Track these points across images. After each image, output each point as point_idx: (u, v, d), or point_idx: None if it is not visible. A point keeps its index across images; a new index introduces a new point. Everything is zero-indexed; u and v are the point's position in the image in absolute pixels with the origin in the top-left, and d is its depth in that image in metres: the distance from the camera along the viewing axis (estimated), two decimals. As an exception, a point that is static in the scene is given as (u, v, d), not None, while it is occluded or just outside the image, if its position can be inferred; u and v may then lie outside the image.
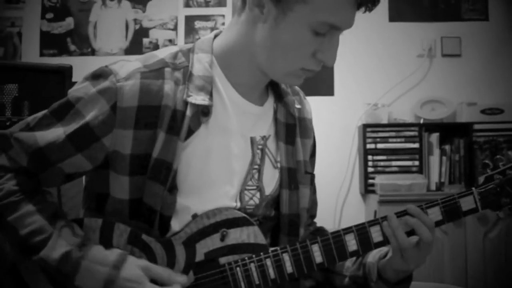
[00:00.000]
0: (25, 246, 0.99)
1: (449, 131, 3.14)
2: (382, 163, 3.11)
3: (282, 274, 1.06)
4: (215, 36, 1.15)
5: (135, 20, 3.47)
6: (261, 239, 1.08)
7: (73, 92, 1.07)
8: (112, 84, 1.03)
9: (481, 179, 1.13)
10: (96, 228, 1.05)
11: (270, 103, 1.18)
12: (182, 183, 1.06)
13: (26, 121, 1.07)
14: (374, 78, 3.35)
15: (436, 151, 3.10)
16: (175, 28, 3.46)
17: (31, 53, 3.43)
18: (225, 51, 1.11)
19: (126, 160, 1.04)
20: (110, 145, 1.04)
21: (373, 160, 3.11)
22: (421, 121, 3.18)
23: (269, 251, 1.07)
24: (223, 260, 1.06)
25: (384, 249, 1.15)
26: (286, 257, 1.07)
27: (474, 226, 2.78)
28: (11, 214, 1.00)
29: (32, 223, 1.00)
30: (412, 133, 3.11)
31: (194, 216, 1.07)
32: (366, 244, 1.08)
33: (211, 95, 1.07)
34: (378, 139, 3.13)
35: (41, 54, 3.44)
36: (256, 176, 1.13)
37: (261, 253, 1.06)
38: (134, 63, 1.07)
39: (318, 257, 1.07)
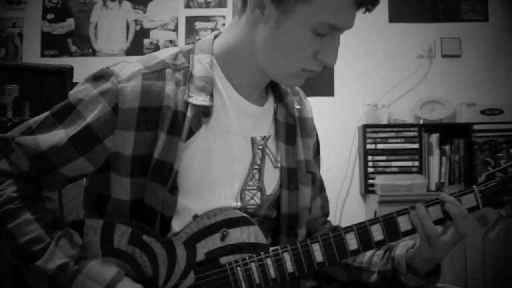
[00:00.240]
0: (24, 254, 1.00)
1: (448, 131, 3.15)
2: (382, 164, 3.12)
3: (283, 274, 1.06)
4: (215, 37, 1.15)
5: (135, 21, 3.47)
6: (261, 238, 1.08)
7: (74, 94, 1.06)
8: (114, 86, 1.03)
9: (482, 177, 1.13)
10: (97, 229, 1.05)
11: (270, 103, 1.18)
12: (183, 183, 1.06)
13: (27, 124, 1.07)
14: (374, 79, 3.35)
15: (436, 152, 3.10)
16: (175, 29, 3.46)
17: (32, 53, 3.43)
18: (225, 52, 1.11)
19: (127, 161, 1.04)
20: (112, 147, 1.04)
21: (373, 161, 3.12)
22: (421, 122, 3.19)
23: (270, 250, 1.07)
24: (223, 259, 1.06)
25: (410, 242, 1.16)
26: (286, 257, 1.07)
27: (473, 226, 2.78)
28: (11, 222, 1.00)
29: (30, 232, 1.00)
30: (412, 134, 3.12)
31: (195, 216, 1.07)
32: (366, 243, 1.08)
33: (211, 95, 1.07)
34: (378, 140, 3.13)
35: (42, 55, 3.45)
36: (256, 176, 1.13)
37: (262, 253, 1.06)
38: (135, 64, 1.07)
39: (318, 256, 1.07)
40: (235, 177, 1.11)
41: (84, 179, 1.16)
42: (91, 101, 1.04)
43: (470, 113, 3.15)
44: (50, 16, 3.47)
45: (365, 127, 3.15)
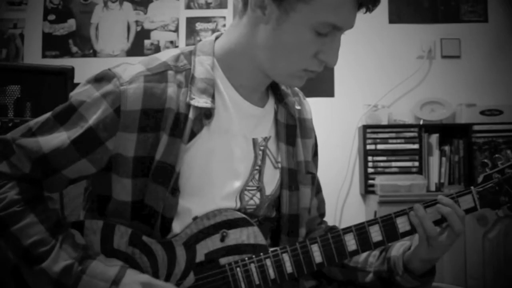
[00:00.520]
0: (28, 256, 0.99)
1: (448, 132, 3.15)
2: (382, 164, 3.11)
3: (282, 274, 1.07)
4: (216, 38, 1.15)
5: (136, 21, 3.47)
6: (261, 239, 1.08)
7: (75, 96, 1.06)
8: (116, 88, 1.03)
9: (480, 178, 1.14)
10: (97, 230, 1.05)
11: (270, 104, 1.18)
12: (184, 185, 1.06)
13: (27, 126, 1.06)
14: (374, 80, 3.35)
15: (436, 152, 3.10)
16: (176, 30, 3.46)
17: (33, 54, 3.42)
18: (226, 53, 1.11)
19: (129, 163, 1.04)
20: (114, 148, 1.04)
21: (373, 161, 3.12)
22: (421, 122, 3.18)
23: (269, 251, 1.07)
24: (223, 260, 1.06)
25: (407, 243, 1.16)
26: (286, 257, 1.07)
27: (473, 226, 2.78)
28: (15, 224, 1.00)
29: (34, 234, 1.00)
30: (411, 134, 3.11)
31: (195, 218, 1.07)
32: (365, 244, 1.08)
33: (213, 97, 1.07)
34: (378, 140, 3.13)
35: (43, 56, 3.44)
36: (257, 176, 1.14)
37: (261, 253, 1.07)
38: (137, 66, 1.06)
39: (317, 257, 1.08)
40: (237, 178, 1.11)
41: (85, 180, 1.15)
42: (93, 103, 1.03)
43: (469, 113, 3.14)
44: (51, 17, 3.47)
45: (365, 127, 3.15)
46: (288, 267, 1.07)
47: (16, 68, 2.22)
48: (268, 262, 1.07)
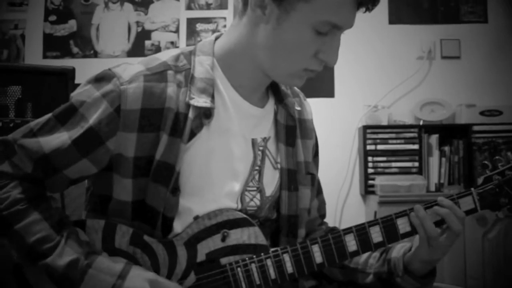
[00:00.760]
0: (33, 254, 0.99)
1: (448, 132, 3.15)
2: (382, 164, 3.12)
3: (283, 274, 1.07)
4: (216, 38, 1.15)
5: (137, 22, 3.47)
6: (261, 239, 1.08)
7: (76, 96, 1.06)
8: (116, 87, 1.03)
9: (480, 179, 1.14)
10: (99, 229, 1.05)
11: (270, 105, 1.18)
12: (185, 184, 1.06)
13: (28, 126, 1.07)
14: (374, 80, 3.35)
15: (436, 153, 3.11)
16: (177, 31, 3.46)
17: (34, 55, 3.42)
18: (226, 53, 1.11)
19: (129, 163, 1.04)
20: (114, 148, 1.04)
21: (373, 161, 3.12)
22: (421, 123, 3.19)
23: (270, 251, 1.08)
24: (224, 260, 1.07)
25: (407, 244, 1.16)
26: (286, 258, 1.07)
27: (473, 226, 2.78)
28: (18, 223, 1.00)
29: (39, 231, 1.00)
30: (411, 135, 3.12)
31: (196, 217, 1.07)
32: (365, 245, 1.09)
33: (213, 97, 1.08)
34: (378, 141, 3.14)
35: (44, 56, 3.44)
36: (256, 177, 1.14)
37: (262, 254, 1.07)
38: (137, 66, 1.07)
39: (318, 257, 1.08)
40: (236, 178, 1.11)
41: (86, 180, 1.16)
42: (94, 103, 1.04)
43: (469, 114, 3.15)
44: (52, 17, 3.47)
45: (365, 128, 3.15)
46: (289, 267, 1.07)
47: (17, 68, 2.22)
48: (268, 262, 1.07)
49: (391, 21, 3.38)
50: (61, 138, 1.04)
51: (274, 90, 1.20)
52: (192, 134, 1.06)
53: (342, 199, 3.30)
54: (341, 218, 3.28)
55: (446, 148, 3.12)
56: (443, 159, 3.11)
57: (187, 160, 1.06)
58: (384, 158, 3.12)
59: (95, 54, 3.46)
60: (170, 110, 1.04)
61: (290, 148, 1.19)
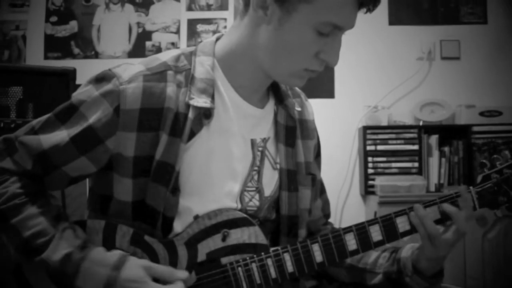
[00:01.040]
0: (28, 248, 1.00)
1: (448, 133, 3.15)
2: (382, 165, 3.12)
3: (283, 274, 1.07)
4: (217, 39, 1.15)
5: (138, 23, 3.48)
6: (261, 239, 1.09)
7: (76, 95, 1.07)
8: (115, 87, 1.04)
9: (478, 178, 1.14)
10: (99, 230, 1.05)
11: (270, 105, 1.19)
12: (185, 184, 1.07)
13: (30, 125, 1.08)
14: (374, 81, 3.36)
15: (435, 153, 3.11)
16: (177, 31, 3.47)
17: (35, 56, 3.43)
18: (227, 54, 1.12)
19: (129, 162, 1.05)
20: (114, 148, 1.05)
21: (373, 162, 3.13)
22: (421, 123, 3.19)
23: (270, 251, 1.08)
24: (224, 260, 1.07)
25: (416, 244, 1.16)
26: (287, 257, 1.07)
27: (472, 226, 2.79)
28: (15, 217, 1.00)
29: (35, 226, 1.00)
30: (411, 135, 3.12)
31: (196, 217, 1.08)
32: (365, 244, 1.09)
33: (213, 97, 1.08)
34: (378, 141, 3.14)
35: (45, 57, 3.45)
36: (255, 177, 1.14)
37: (262, 253, 1.07)
38: (137, 66, 1.08)
39: (318, 256, 1.08)
40: (235, 178, 1.12)
41: (88, 179, 1.17)
42: (93, 102, 1.05)
43: (469, 114, 3.15)
44: (53, 18, 3.47)
45: (365, 128, 3.16)
46: (289, 267, 1.07)
47: (18, 69, 2.21)
48: (269, 261, 1.07)
49: (391, 22, 3.39)
50: (60, 135, 1.05)
51: (275, 91, 1.20)
52: (192, 134, 1.07)
53: (342, 199, 3.31)
54: (341, 218, 3.28)
55: (446, 149, 3.12)
56: (443, 160, 3.11)
57: (187, 160, 1.06)
58: (384, 159, 3.12)
59: (96, 55, 3.46)
60: (169, 110, 1.05)
61: (290, 149, 1.19)
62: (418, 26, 3.38)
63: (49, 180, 1.08)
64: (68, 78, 1.94)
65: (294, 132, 1.20)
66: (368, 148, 3.14)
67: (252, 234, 1.08)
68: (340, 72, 3.33)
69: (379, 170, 3.12)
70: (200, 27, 3.45)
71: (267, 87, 1.18)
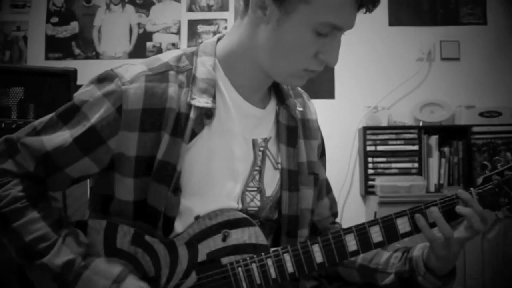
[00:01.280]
0: (29, 252, 1.00)
1: (448, 133, 3.16)
2: (382, 165, 3.13)
3: (283, 274, 1.07)
4: (219, 39, 1.16)
5: (138, 24, 3.48)
6: (262, 239, 1.09)
7: (78, 96, 1.07)
8: (117, 87, 1.04)
9: (479, 179, 1.14)
10: (100, 230, 1.06)
11: (272, 105, 1.19)
12: (186, 184, 1.07)
13: (32, 125, 1.08)
14: (374, 82, 3.36)
15: (435, 153, 3.12)
16: (178, 32, 3.47)
17: (36, 56, 3.43)
18: (228, 54, 1.12)
19: (131, 162, 1.05)
20: (116, 148, 1.05)
21: (373, 162, 3.13)
22: (421, 124, 3.19)
23: (270, 251, 1.08)
24: (225, 260, 1.07)
25: (428, 244, 1.14)
26: (287, 257, 1.07)
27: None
28: (16, 221, 1.00)
29: (36, 230, 1.00)
30: (411, 136, 3.13)
31: (197, 217, 1.08)
32: (365, 244, 1.09)
33: (214, 97, 1.08)
34: (378, 141, 3.14)
35: (46, 58, 3.45)
36: (257, 177, 1.14)
37: (262, 253, 1.07)
38: (139, 66, 1.08)
39: (318, 257, 1.08)
40: (237, 178, 1.12)
41: (89, 180, 1.17)
42: (96, 103, 1.05)
43: (469, 115, 3.15)
44: (54, 19, 3.47)
45: (365, 129, 3.16)
46: (289, 267, 1.07)
47: (20, 70, 2.21)
48: (269, 261, 1.07)
49: (391, 23, 3.39)
50: (63, 136, 1.05)
51: (276, 91, 1.21)
52: (193, 134, 1.07)
53: (343, 199, 3.31)
54: (341, 218, 3.27)
55: (446, 149, 3.13)
56: (443, 160, 3.12)
57: (188, 160, 1.07)
58: (384, 159, 3.13)
59: (97, 56, 3.46)
60: (171, 110, 1.05)
61: (291, 149, 1.19)
62: (418, 27, 3.38)
63: (51, 182, 1.08)
64: (69, 79, 1.94)
65: (295, 132, 1.20)
66: (368, 148, 3.14)
67: (253, 235, 1.09)
68: (340, 73, 3.34)
69: (379, 170, 3.13)
70: (200, 28, 3.46)
71: (268, 87, 1.18)
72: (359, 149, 3.28)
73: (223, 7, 3.47)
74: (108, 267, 1.00)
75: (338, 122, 3.32)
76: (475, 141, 3.06)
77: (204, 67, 1.10)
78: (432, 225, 1.08)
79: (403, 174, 3.08)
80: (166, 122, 1.05)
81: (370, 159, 3.13)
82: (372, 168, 3.13)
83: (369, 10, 1.04)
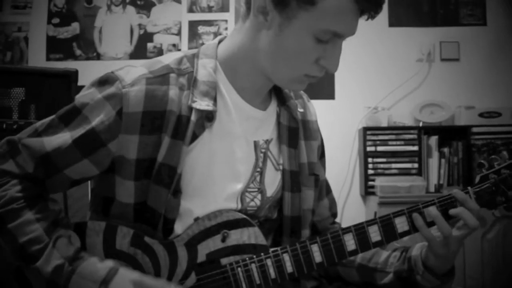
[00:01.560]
0: (23, 254, 0.99)
1: (447, 134, 3.16)
2: (382, 166, 3.13)
3: (283, 274, 1.07)
4: (220, 41, 1.16)
5: (139, 25, 3.48)
6: (261, 239, 1.09)
7: (79, 98, 1.07)
8: (118, 90, 1.04)
9: (476, 178, 1.14)
10: (100, 231, 1.05)
11: (273, 107, 1.19)
12: (186, 186, 1.07)
13: (34, 127, 1.08)
14: (374, 82, 3.36)
15: (435, 154, 3.12)
16: (178, 33, 3.47)
17: (37, 57, 3.43)
18: (229, 57, 1.12)
19: (131, 165, 1.05)
20: (116, 150, 1.05)
21: (373, 163, 3.14)
22: (420, 124, 3.20)
23: (270, 251, 1.08)
24: (224, 260, 1.07)
25: (426, 243, 1.14)
26: (286, 257, 1.07)
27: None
28: (12, 221, 1.00)
29: (30, 232, 0.99)
30: (411, 136, 3.13)
31: (197, 219, 1.08)
32: (364, 244, 1.09)
33: (215, 100, 1.08)
34: (378, 142, 3.15)
35: (48, 59, 3.45)
36: (258, 178, 1.14)
37: (262, 254, 1.07)
38: (140, 68, 1.08)
39: (317, 257, 1.08)
40: (238, 180, 1.12)
41: (91, 181, 1.17)
42: (96, 105, 1.05)
43: (468, 116, 3.15)
44: (55, 20, 3.48)
45: (365, 129, 3.16)
46: (289, 267, 1.08)
47: (21, 71, 2.21)
48: (268, 262, 1.07)
49: (391, 24, 3.39)
50: (63, 137, 1.05)
51: (277, 93, 1.21)
52: (194, 137, 1.07)
53: (343, 200, 3.31)
54: (341, 218, 3.28)
55: (446, 150, 3.13)
56: (443, 160, 3.12)
57: (189, 162, 1.07)
58: (384, 159, 3.13)
59: (98, 56, 3.47)
60: (172, 113, 1.05)
61: (293, 150, 1.19)
62: (417, 28, 3.38)
63: (50, 183, 1.08)
64: (70, 80, 1.94)
65: (296, 133, 1.20)
66: (368, 149, 3.14)
67: (252, 235, 1.09)
68: (340, 74, 3.33)
69: (379, 170, 3.13)
70: (201, 29, 3.46)
71: (269, 89, 1.18)
72: (359, 149, 3.29)
73: (224, 8, 3.47)
74: (95, 270, 0.99)
75: (338, 122, 3.32)
76: (475, 142, 3.06)
77: (205, 69, 1.10)
78: (430, 224, 1.09)
79: (403, 175, 3.08)
80: (167, 125, 1.05)
81: (370, 160, 3.13)
82: (372, 169, 3.13)
83: (372, 17, 1.04)
